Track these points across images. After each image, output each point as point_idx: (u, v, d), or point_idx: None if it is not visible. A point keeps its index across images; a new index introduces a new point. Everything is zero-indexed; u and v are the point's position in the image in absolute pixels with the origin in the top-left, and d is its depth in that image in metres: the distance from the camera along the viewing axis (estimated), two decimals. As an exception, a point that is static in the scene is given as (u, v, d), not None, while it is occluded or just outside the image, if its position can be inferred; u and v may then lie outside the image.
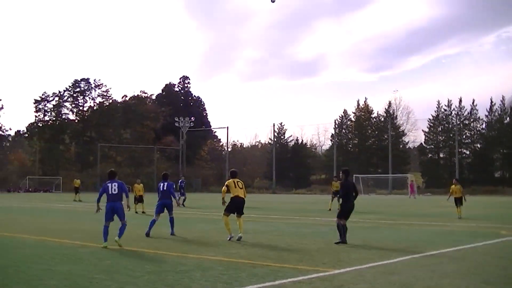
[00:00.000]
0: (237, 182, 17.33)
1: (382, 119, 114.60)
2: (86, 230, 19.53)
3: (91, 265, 11.52)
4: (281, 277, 10.16)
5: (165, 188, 18.55)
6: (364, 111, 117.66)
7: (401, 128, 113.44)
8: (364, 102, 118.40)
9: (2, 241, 16.21)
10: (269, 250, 14.32)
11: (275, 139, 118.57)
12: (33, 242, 15.68)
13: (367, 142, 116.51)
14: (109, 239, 14.66)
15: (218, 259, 12.68)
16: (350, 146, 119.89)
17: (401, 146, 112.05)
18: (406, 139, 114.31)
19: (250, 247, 15.02)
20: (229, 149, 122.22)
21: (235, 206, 17.08)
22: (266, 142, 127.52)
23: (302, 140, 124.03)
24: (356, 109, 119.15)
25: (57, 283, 9.42)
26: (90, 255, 13.02)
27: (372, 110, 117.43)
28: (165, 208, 18.29)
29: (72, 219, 26.29)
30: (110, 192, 15.24)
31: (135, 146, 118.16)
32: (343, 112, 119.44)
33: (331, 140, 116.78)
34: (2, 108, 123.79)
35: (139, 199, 31.54)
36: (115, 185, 15.34)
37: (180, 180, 40.64)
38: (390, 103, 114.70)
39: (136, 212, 29.75)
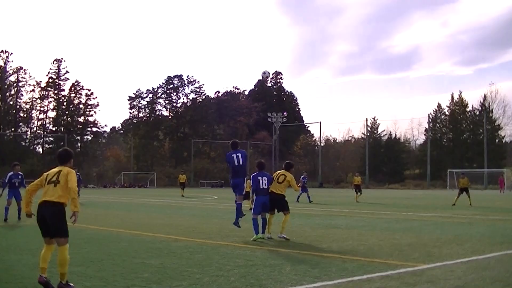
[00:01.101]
0: (279, 175, 15.77)
1: (477, 112, 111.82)
2: (179, 225, 19.97)
3: (183, 259, 11.79)
4: (370, 272, 10.14)
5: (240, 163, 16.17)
6: (459, 104, 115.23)
7: (497, 122, 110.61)
8: (459, 95, 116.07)
9: (99, 234, 16.77)
10: (359, 245, 14.28)
11: (368, 134, 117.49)
12: (128, 236, 16.15)
13: (462, 137, 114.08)
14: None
15: (309, 253, 12.75)
16: (445, 140, 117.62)
17: (497, 140, 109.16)
18: (502, 133, 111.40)
19: (341, 242, 15.02)
20: (322, 144, 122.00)
21: (268, 204, 15.42)
22: (359, 137, 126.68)
23: (396, 134, 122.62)
24: (450, 102, 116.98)
25: (150, 276, 9.72)
26: (182, 249, 13.32)
27: (467, 104, 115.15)
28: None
29: (166, 214, 26.89)
30: (261, 187, 15.34)
31: (228, 141, 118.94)
32: (437, 106, 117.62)
33: (425, 135, 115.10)
34: (98, 105, 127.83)
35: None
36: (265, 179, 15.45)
37: (303, 176, 40.28)
38: (485, 96, 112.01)
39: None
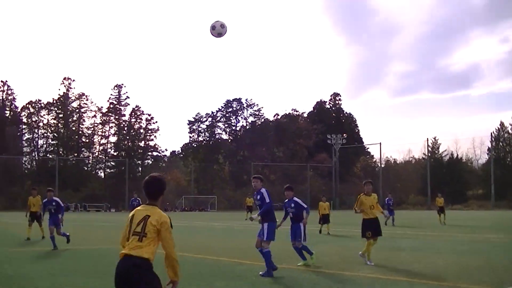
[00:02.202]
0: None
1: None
2: (242, 248, 20.03)
3: (248, 282, 11.84)
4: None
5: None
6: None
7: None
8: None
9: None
10: (426, 268, 14.12)
11: (429, 154, 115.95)
12: (193, 259, 16.27)
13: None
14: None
15: (376, 276, 12.67)
16: (509, 159, 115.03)
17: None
18: None
19: (407, 265, 14.90)
20: (383, 165, 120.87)
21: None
22: (420, 157, 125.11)
23: (457, 154, 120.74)
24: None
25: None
26: (247, 272, 13.38)
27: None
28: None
29: (229, 237, 27.01)
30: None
31: (288, 164, 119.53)
32: (500, 124, 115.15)
33: (487, 154, 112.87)
34: (158, 130, 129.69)
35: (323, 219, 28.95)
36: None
37: (388, 198, 40.04)
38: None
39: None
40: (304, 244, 14.85)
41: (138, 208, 6.58)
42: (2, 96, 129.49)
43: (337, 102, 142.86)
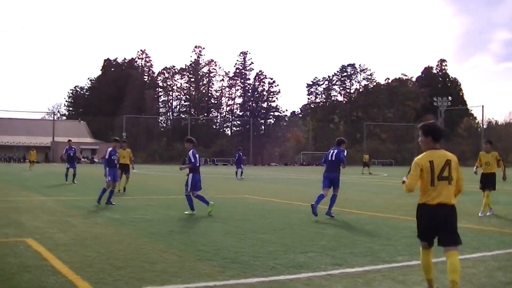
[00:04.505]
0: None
1: None
2: (352, 199, 19.97)
3: (356, 229, 11.93)
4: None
5: (333, 158, 14.85)
6: None
7: None
8: None
9: (281, 207, 17.28)
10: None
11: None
12: (307, 209, 16.36)
13: None
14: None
15: (470, 226, 12.45)
16: None
17: None
18: None
19: (501, 217, 14.71)
20: (485, 127, 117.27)
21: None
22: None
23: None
24: None
25: (326, 243, 9.95)
26: (355, 221, 13.46)
27: None
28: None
29: (341, 189, 27.06)
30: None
31: (397, 124, 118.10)
32: None
33: None
34: (279, 92, 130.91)
35: None
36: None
37: None
38: None
39: None
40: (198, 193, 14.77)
41: (434, 153, 6.34)
42: (141, 63, 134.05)
43: (443, 67, 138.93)
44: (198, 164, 14.67)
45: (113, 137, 18.45)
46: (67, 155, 29.37)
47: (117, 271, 7.42)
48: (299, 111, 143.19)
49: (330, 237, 10.73)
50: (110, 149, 17.46)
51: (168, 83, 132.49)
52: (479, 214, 14.81)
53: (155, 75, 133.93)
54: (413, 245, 9.77)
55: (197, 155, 14.52)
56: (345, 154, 14.95)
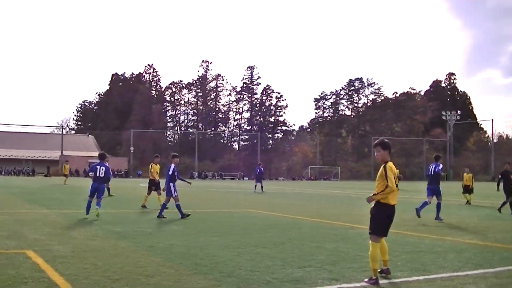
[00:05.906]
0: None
1: None
2: (356, 214, 19.98)
3: (356, 244, 11.86)
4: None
5: (432, 172, 17.66)
6: None
7: None
8: None
9: (283, 221, 17.22)
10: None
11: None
12: (309, 223, 16.45)
13: None
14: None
15: (474, 242, 12.36)
16: None
17: None
18: None
19: (505, 233, 14.60)
20: (495, 141, 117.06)
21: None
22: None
23: None
24: None
25: (324, 258, 9.90)
26: (356, 236, 13.39)
27: None
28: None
29: (345, 204, 27.02)
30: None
31: (405, 138, 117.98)
32: None
33: None
34: (286, 106, 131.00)
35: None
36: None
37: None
38: None
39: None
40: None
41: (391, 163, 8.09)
42: (149, 78, 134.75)
43: (452, 81, 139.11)
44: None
45: (172, 153, 18.32)
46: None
47: (112, 283, 7.44)
48: (307, 126, 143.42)
49: (330, 252, 10.68)
50: (173, 165, 17.50)
51: (176, 97, 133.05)
52: None
53: (163, 89, 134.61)
54: (414, 260, 9.74)
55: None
56: (440, 167, 17.84)
